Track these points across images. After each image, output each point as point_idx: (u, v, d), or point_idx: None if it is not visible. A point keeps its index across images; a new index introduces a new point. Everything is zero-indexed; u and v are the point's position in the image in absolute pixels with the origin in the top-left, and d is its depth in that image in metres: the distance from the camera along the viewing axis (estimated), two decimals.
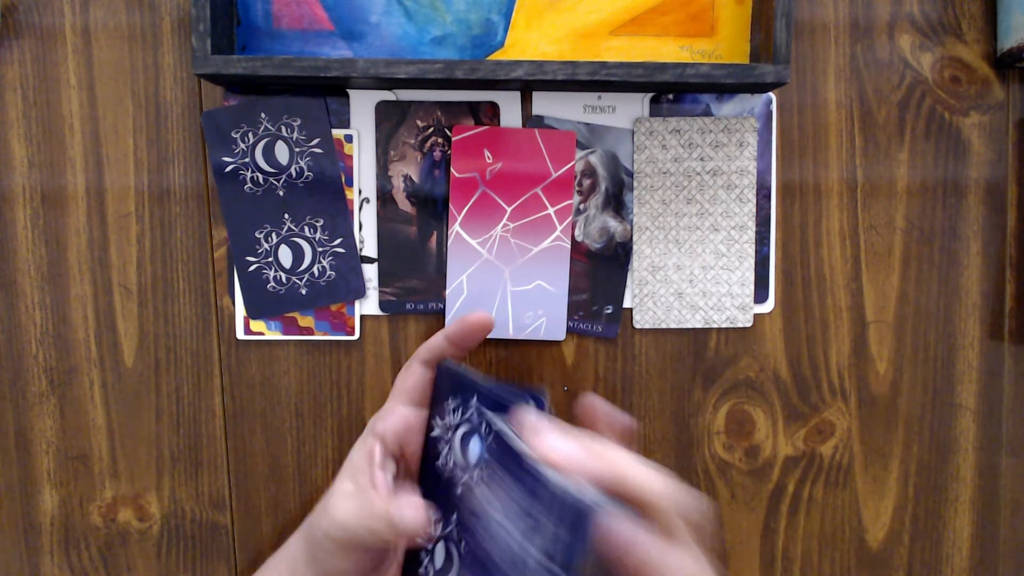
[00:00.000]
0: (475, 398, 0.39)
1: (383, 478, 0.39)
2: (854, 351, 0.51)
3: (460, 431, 0.39)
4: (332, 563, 0.38)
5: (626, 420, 0.40)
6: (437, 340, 0.42)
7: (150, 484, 0.49)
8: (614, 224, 0.49)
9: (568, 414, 0.50)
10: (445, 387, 0.41)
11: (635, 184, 0.49)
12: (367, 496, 0.37)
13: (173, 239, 0.48)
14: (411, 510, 0.36)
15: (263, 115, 0.47)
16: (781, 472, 0.51)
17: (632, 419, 0.40)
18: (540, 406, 0.38)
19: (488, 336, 0.48)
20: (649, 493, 0.31)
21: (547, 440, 0.32)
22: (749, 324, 0.50)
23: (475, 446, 0.37)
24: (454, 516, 0.38)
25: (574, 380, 0.50)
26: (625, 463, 0.32)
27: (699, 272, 0.49)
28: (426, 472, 0.41)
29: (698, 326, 0.50)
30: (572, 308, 0.49)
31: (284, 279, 0.48)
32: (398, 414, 0.41)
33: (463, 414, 0.39)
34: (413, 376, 0.42)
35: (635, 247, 0.49)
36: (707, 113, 0.49)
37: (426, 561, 0.39)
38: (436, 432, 0.41)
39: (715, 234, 0.49)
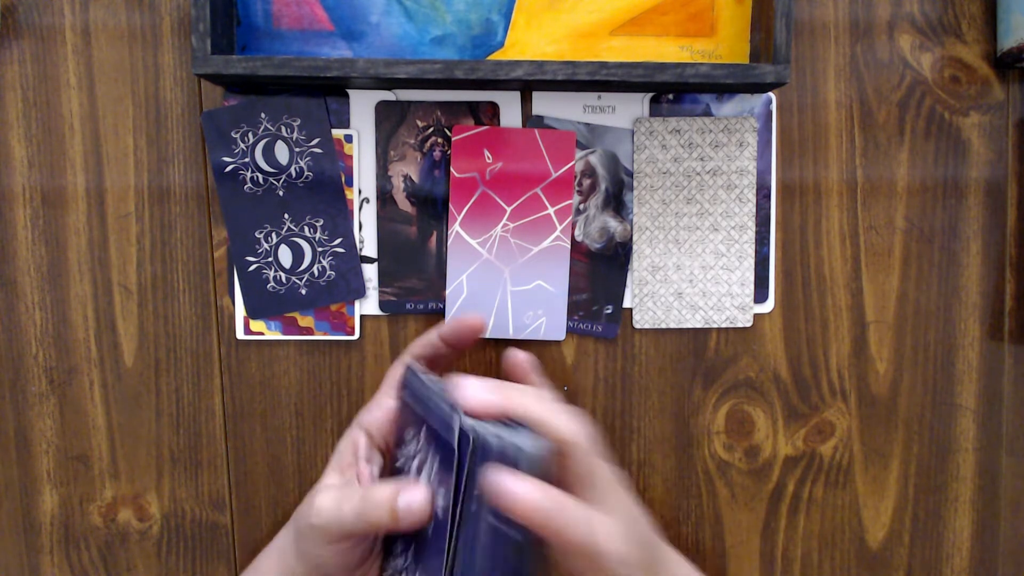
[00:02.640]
0: (423, 431, 0.37)
1: (368, 470, 0.39)
2: (854, 351, 0.51)
3: (415, 462, 0.38)
4: (319, 555, 0.38)
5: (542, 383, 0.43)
6: (431, 337, 0.43)
7: (150, 484, 0.49)
8: (614, 224, 0.49)
9: None
10: (410, 400, 0.40)
11: (635, 184, 0.49)
12: (354, 488, 0.37)
13: (173, 239, 0.48)
14: (410, 493, 0.36)
15: (263, 115, 0.47)
16: (781, 472, 0.51)
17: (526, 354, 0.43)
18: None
19: (487, 336, 0.49)
20: (558, 431, 0.34)
21: (466, 387, 0.34)
22: (749, 324, 0.50)
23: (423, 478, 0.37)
24: (412, 546, 0.37)
25: (574, 380, 0.50)
26: (533, 402, 0.34)
27: (699, 272, 0.49)
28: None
29: (698, 326, 0.50)
30: (572, 308, 0.49)
31: (284, 279, 0.48)
32: (384, 406, 0.41)
33: (417, 443, 0.38)
34: (402, 369, 0.42)
35: (635, 247, 0.49)
36: (707, 113, 0.49)
37: None
38: (399, 463, 0.40)
39: (715, 234, 0.49)
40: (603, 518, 0.34)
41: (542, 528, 0.32)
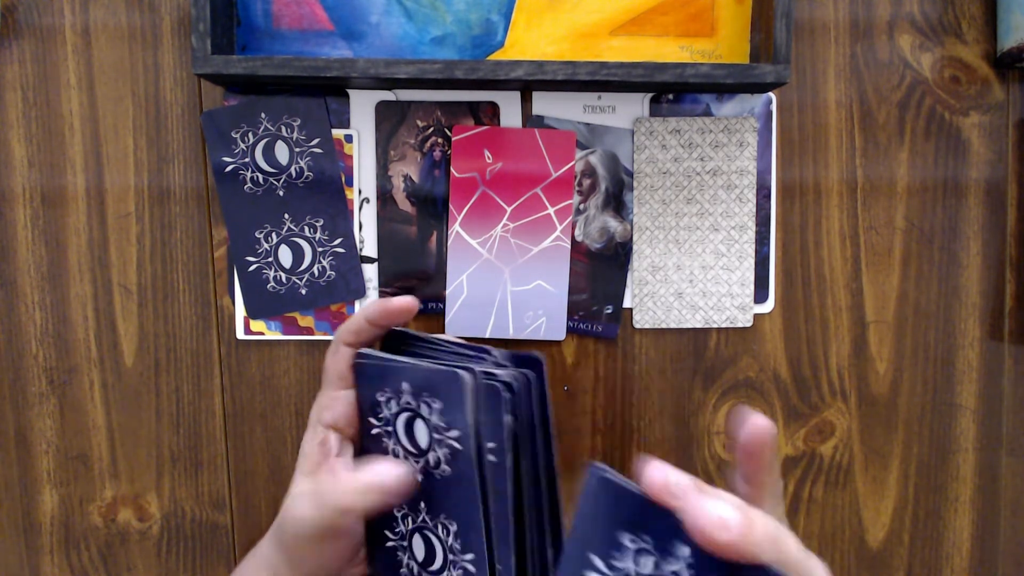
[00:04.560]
0: (404, 382, 0.37)
1: (343, 463, 0.39)
2: (854, 351, 0.51)
3: (401, 419, 0.38)
4: (311, 560, 0.38)
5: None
6: (358, 321, 0.41)
7: (150, 484, 0.49)
8: (614, 224, 0.49)
9: (567, 416, 0.50)
10: (369, 384, 0.40)
11: (635, 184, 0.49)
12: (331, 480, 0.38)
13: (173, 239, 0.48)
14: (384, 468, 0.36)
15: (263, 115, 0.47)
16: (781, 472, 0.51)
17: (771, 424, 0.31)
18: (539, 375, 0.37)
19: (488, 336, 0.49)
20: None
21: (704, 508, 0.24)
22: (749, 324, 0.50)
23: (421, 430, 0.37)
24: (421, 505, 0.38)
25: (574, 380, 0.50)
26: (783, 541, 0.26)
27: (699, 272, 0.49)
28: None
29: (698, 326, 0.50)
30: (572, 308, 0.49)
31: (284, 279, 0.48)
32: (343, 399, 0.40)
33: (398, 402, 0.38)
34: (344, 359, 0.41)
35: (635, 247, 0.49)
36: (707, 113, 0.49)
37: (405, 558, 0.39)
38: (376, 430, 0.40)
39: (715, 234, 0.49)
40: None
41: None
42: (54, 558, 0.49)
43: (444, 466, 0.36)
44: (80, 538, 0.49)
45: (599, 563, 0.28)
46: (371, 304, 0.41)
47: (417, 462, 0.37)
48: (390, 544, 0.40)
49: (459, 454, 0.35)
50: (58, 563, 0.49)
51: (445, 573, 0.38)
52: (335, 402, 0.40)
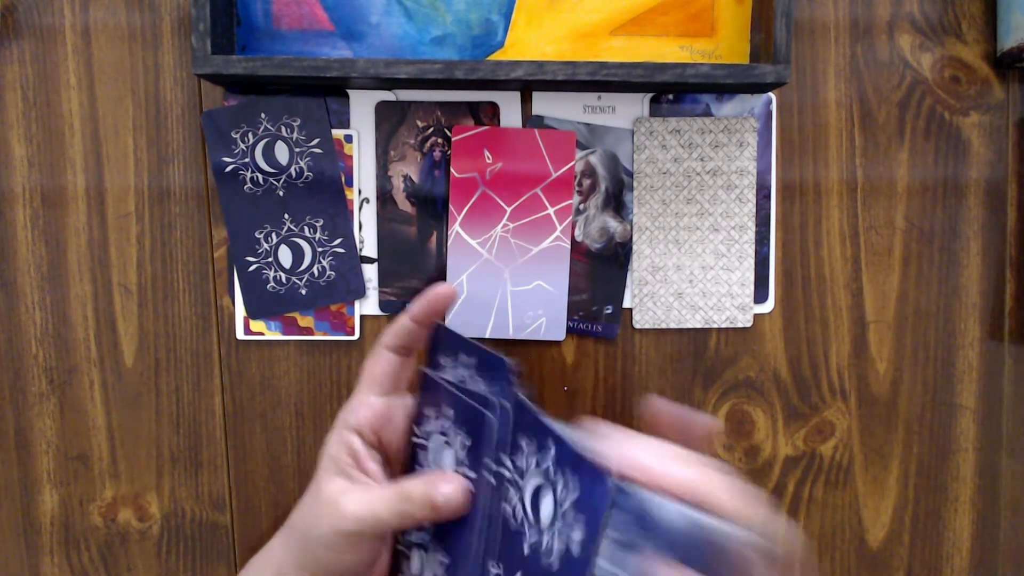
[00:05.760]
0: (552, 449, 0.35)
1: (376, 468, 0.39)
2: (854, 351, 0.51)
3: (532, 482, 0.36)
4: (340, 560, 0.37)
5: (706, 421, 0.37)
6: (403, 323, 0.41)
7: (150, 484, 0.49)
8: (614, 224, 0.49)
9: (567, 416, 0.50)
10: (519, 423, 0.38)
11: (635, 184, 0.49)
12: (381, 488, 0.37)
13: (173, 239, 0.48)
14: (447, 485, 0.36)
15: (263, 115, 0.47)
16: (781, 472, 0.51)
17: (713, 419, 0.36)
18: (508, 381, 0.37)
19: (488, 336, 0.49)
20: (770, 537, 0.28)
21: (628, 447, 0.30)
22: (749, 324, 0.50)
23: (547, 505, 0.35)
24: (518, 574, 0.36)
25: (574, 380, 0.50)
26: (727, 496, 0.28)
27: (699, 272, 0.49)
28: (491, 511, 0.38)
29: (698, 326, 0.50)
30: (572, 308, 0.49)
31: (284, 279, 0.48)
32: (368, 406, 0.40)
33: (537, 464, 0.36)
34: (381, 364, 0.41)
35: (635, 247, 0.49)
36: (707, 113, 0.49)
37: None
38: (508, 473, 0.37)
39: (715, 234, 0.49)
40: None
41: None
42: (54, 558, 0.49)
43: (554, 559, 0.33)
44: (80, 538, 0.49)
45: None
46: (413, 304, 0.41)
47: (531, 535, 0.35)
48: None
49: (571, 563, 0.33)
50: (58, 563, 0.49)
51: None
52: (361, 407, 0.40)
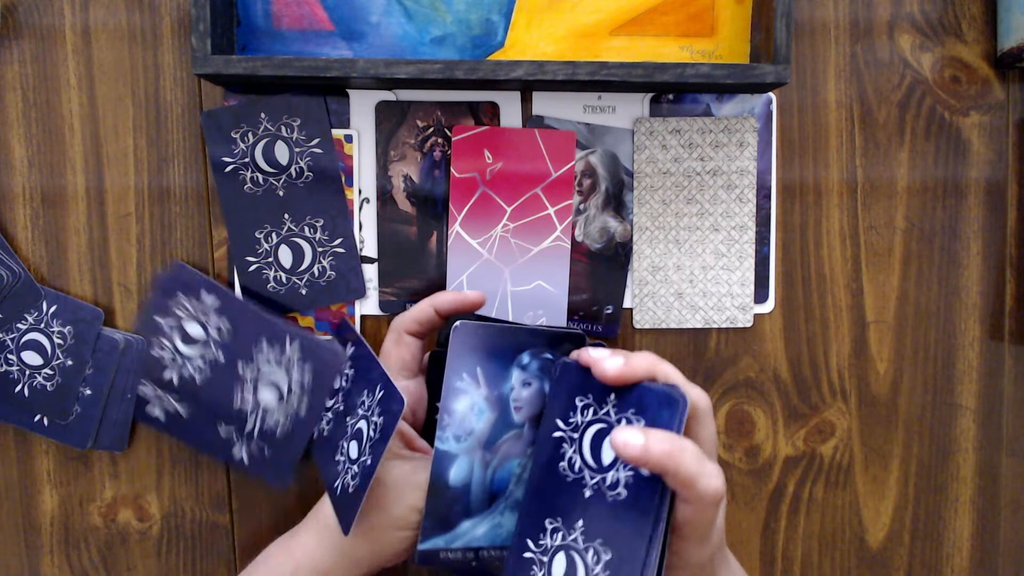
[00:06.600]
0: (612, 398, 0.36)
1: (425, 444, 0.43)
2: (854, 351, 0.51)
3: (591, 430, 0.36)
4: (404, 538, 0.39)
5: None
6: (425, 311, 0.43)
7: (150, 484, 0.49)
8: (614, 224, 0.49)
9: None
10: (570, 385, 0.39)
11: (635, 184, 0.49)
12: (429, 459, 0.40)
13: (173, 239, 0.48)
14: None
15: (263, 115, 0.47)
16: (781, 472, 0.51)
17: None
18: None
19: None
20: (695, 396, 0.35)
21: (603, 358, 0.36)
22: (749, 324, 0.50)
23: (608, 451, 0.35)
24: (579, 523, 0.35)
25: None
26: (673, 370, 0.35)
27: (699, 272, 0.49)
28: (543, 473, 0.38)
29: (698, 326, 0.50)
30: (572, 308, 0.49)
31: (284, 279, 0.48)
32: (404, 390, 0.42)
33: (595, 413, 0.37)
34: (410, 350, 0.43)
35: (635, 247, 0.49)
36: (707, 113, 0.49)
37: (540, 572, 0.36)
38: (559, 433, 0.38)
39: (715, 234, 0.49)
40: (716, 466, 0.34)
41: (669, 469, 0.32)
42: (54, 558, 0.49)
43: (621, 489, 0.34)
44: (80, 538, 0.49)
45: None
46: (441, 295, 0.43)
47: (593, 478, 0.36)
48: (527, 555, 0.37)
49: (642, 482, 0.33)
50: (58, 563, 0.49)
51: None
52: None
